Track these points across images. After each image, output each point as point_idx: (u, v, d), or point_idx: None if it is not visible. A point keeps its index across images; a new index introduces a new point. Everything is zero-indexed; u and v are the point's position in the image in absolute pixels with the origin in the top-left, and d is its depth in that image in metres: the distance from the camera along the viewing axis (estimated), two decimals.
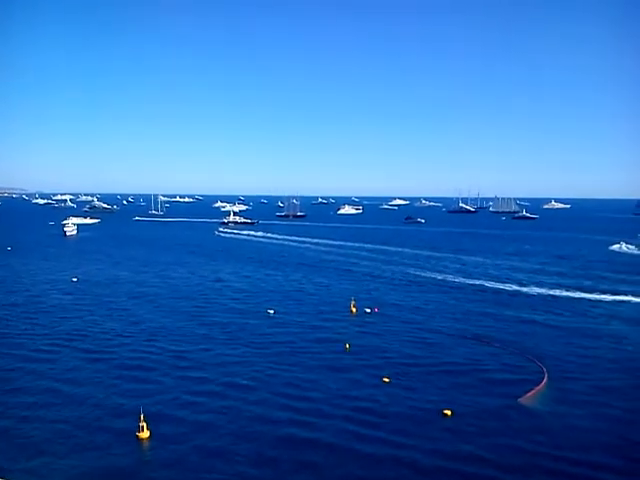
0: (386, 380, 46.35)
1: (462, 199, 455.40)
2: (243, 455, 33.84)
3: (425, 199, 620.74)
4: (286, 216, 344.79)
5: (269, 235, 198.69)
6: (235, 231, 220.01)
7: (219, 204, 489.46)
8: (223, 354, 53.92)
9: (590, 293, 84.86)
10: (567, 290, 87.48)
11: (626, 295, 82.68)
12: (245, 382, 46.05)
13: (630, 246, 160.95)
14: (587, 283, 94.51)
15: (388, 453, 34.04)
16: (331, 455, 33.86)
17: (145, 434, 36.09)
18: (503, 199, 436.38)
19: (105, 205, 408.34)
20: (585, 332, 62.64)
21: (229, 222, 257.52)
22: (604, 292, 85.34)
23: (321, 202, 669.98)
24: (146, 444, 35.39)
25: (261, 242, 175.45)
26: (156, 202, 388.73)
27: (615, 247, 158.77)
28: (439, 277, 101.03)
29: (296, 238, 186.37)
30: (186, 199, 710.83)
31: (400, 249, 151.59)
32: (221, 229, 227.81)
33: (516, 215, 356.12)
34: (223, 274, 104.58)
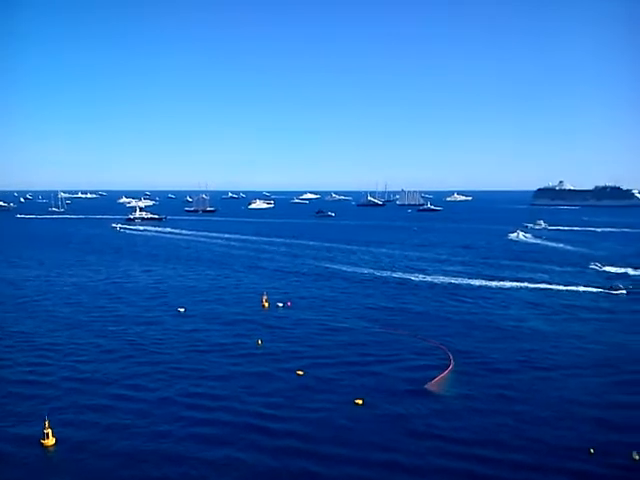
0: (299, 373, 46.28)
1: (370, 193, 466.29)
2: (151, 459, 32.51)
3: (335, 193, 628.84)
4: (195, 211, 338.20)
5: (178, 231, 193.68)
6: (142, 227, 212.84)
7: (124, 200, 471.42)
8: (129, 355, 51.67)
9: (491, 281, 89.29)
10: (470, 278, 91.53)
11: (523, 282, 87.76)
12: (152, 384, 44.34)
13: (527, 235, 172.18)
14: (488, 271, 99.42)
15: (299, 446, 33.91)
16: (241, 450, 33.30)
17: (50, 441, 34.11)
18: (409, 192, 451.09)
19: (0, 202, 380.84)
20: (488, 318, 65.68)
21: (135, 218, 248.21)
22: (504, 279, 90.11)
23: (231, 197, 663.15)
24: (51, 451, 33.51)
25: (170, 238, 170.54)
26: (57, 199, 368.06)
27: (513, 236, 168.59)
28: (350, 270, 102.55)
29: (206, 234, 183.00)
30: (89, 195, 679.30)
31: (311, 242, 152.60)
32: (127, 225, 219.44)
33: (421, 208, 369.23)
34: (129, 273, 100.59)
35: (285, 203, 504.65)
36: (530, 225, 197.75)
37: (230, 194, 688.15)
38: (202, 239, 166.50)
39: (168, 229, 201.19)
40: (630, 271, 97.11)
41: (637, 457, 31.29)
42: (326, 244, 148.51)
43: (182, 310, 69.81)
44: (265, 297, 73.64)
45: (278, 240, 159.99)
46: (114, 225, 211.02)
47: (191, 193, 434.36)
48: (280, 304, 72.78)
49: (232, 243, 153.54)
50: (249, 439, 34.84)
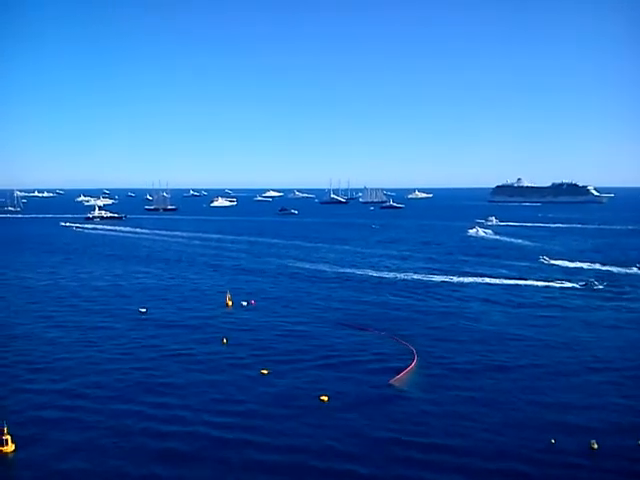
0: (264, 372, 46.39)
1: (334, 190, 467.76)
2: (112, 465, 32.19)
3: (298, 190, 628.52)
4: (156, 209, 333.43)
5: (138, 230, 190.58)
6: (100, 226, 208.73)
7: (82, 198, 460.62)
8: (87, 358, 50.58)
9: (452, 276, 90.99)
10: (432, 274, 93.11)
11: (483, 277, 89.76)
12: (114, 385, 43.78)
13: (486, 230, 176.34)
14: (449, 267, 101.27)
15: (266, 441, 34.01)
16: (204, 449, 33.23)
17: (10, 448, 33.41)
18: (372, 190, 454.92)
19: None
20: (450, 314, 66.93)
21: (94, 217, 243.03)
22: (464, 275, 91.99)
23: (193, 195, 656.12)
24: (10, 457, 32.88)
25: (130, 238, 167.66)
26: (12, 197, 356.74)
27: (472, 232, 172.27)
28: (313, 267, 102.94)
29: (167, 232, 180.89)
30: (45, 194, 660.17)
31: (275, 240, 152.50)
32: (85, 225, 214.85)
33: (384, 205, 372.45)
34: (88, 273, 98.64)
35: (248, 201, 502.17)
36: (482, 221, 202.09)
37: (192, 192, 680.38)
38: (163, 238, 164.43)
39: (128, 228, 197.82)
40: (585, 266, 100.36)
41: (595, 446, 32.56)
42: (290, 242, 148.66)
43: (144, 310, 68.93)
44: (229, 296, 73.34)
45: (241, 238, 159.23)
46: (68, 224, 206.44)
47: (151, 191, 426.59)
48: (244, 303, 72.62)
49: (194, 242, 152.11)
50: (210, 437, 34.75)
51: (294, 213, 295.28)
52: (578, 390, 42.00)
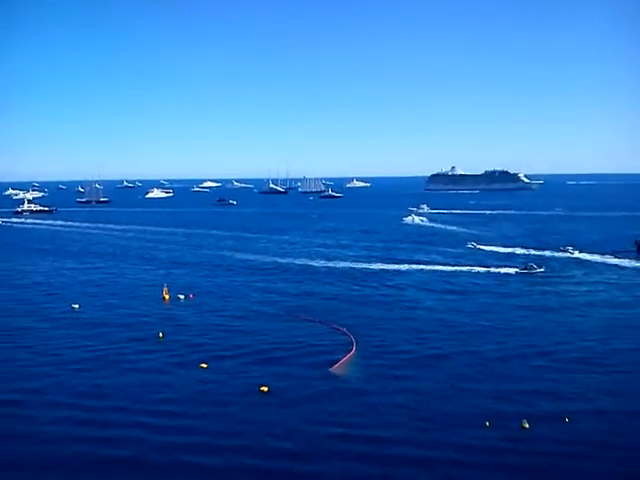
0: (204, 366, 45.67)
1: (272, 180, 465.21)
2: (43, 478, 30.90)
3: (237, 181, 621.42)
4: (88, 202, 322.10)
5: (70, 223, 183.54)
6: (30, 220, 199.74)
7: (11, 192, 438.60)
8: (13, 362, 47.98)
9: (390, 264, 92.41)
10: (370, 262, 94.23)
11: (419, 264, 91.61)
12: (40, 399, 41.71)
13: (422, 218, 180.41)
14: (386, 255, 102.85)
15: (202, 440, 33.36)
16: (140, 454, 32.26)
17: None
18: (311, 179, 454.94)
19: None
20: (387, 301, 67.93)
21: (23, 211, 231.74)
22: (401, 262, 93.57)
23: (127, 186, 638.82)
24: None
25: (61, 231, 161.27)
26: None
27: (408, 219, 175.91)
28: (253, 258, 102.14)
29: (101, 225, 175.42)
30: None
31: (214, 232, 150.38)
32: (13, 219, 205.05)
33: (323, 194, 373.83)
34: (17, 269, 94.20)
35: (185, 192, 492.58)
36: (414, 209, 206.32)
37: (125, 183, 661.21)
38: (96, 231, 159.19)
39: (59, 222, 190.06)
40: (517, 251, 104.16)
41: (527, 425, 33.86)
42: (228, 233, 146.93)
43: (76, 306, 66.38)
44: (166, 289, 71.63)
45: (178, 230, 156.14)
46: (3, 223, 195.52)
47: (83, 183, 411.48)
48: (182, 296, 71.19)
49: (129, 235, 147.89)
50: (146, 440, 33.69)
51: (232, 204, 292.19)
52: (511, 374, 43.34)
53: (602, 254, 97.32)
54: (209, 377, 43.67)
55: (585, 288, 73.52)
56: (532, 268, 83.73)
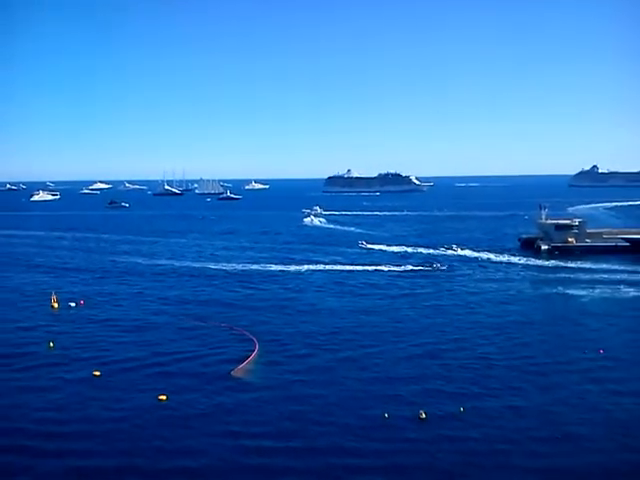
0: (96, 374, 43.86)
1: (168, 181, 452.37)
2: None
3: (129, 182, 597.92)
4: None
5: None
6: None
7: None
8: None
9: (290, 265, 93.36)
10: (270, 264, 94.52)
11: (319, 264, 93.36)
12: None
13: (321, 219, 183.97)
14: (285, 256, 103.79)
15: (90, 448, 32.07)
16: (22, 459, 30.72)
17: None
18: (208, 181, 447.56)
19: None
20: (288, 302, 68.34)
21: None
22: (301, 263, 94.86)
23: (10, 189, 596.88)
24: None
25: None
26: None
27: (307, 221, 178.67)
28: (149, 262, 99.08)
29: None
30: None
31: (105, 235, 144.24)
32: None
33: (221, 196, 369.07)
34: None
35: (73, 194, 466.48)
36: (307, 210, 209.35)
37: (8, 186, 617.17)
38: None
39: None
40: (410, 249, 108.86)
41: (424, 415, 35.58)
42: (121, 236, 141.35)
43: None
44: (54, 297, 67.76)
45: (67, 234, 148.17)
46: None
47: None
48: (72, 303, 67.65)
49: (13, 240, 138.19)
50: (33, 450, 31.99)
51: (125, 206, 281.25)
52: (405, 367, 45.11)
53: (489, 251, 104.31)
54: (103, 385, 41.89)
55: (473, 284, 77.99)
56: (417, 266, 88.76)
